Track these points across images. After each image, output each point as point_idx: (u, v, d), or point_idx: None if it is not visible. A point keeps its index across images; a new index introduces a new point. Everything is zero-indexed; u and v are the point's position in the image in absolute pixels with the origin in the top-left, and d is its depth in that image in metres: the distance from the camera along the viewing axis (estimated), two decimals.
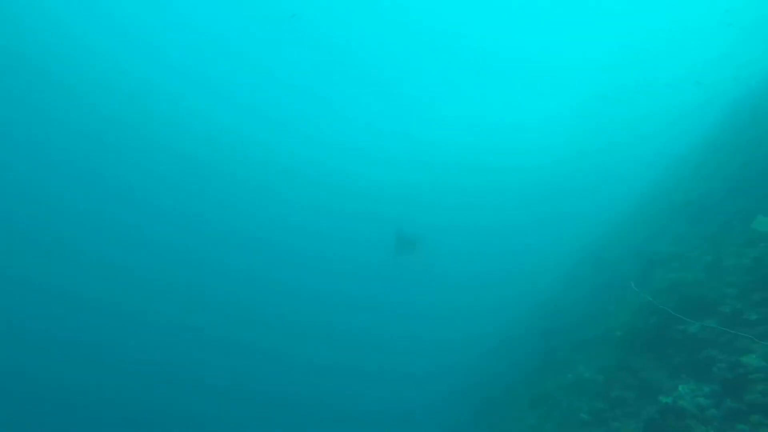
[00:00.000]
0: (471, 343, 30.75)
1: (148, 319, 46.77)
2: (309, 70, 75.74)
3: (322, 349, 42.66)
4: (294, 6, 62.96)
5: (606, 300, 16.30)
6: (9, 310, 43.89)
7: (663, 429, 8.33)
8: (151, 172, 63.69)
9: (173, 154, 66.29)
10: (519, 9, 69.28)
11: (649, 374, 10.67)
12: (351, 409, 32.71)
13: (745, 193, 12.47)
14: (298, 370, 41.07)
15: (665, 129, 33.47)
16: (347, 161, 74.27)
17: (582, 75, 67.27)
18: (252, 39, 69.10)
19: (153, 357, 41.26)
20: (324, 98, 77.41)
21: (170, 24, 64.52)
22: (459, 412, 21.62)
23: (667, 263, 13.30)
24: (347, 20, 71.59)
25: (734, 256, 10.50)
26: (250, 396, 36.97)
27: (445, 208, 60.15)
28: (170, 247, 57.12)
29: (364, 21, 72.61)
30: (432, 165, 68.77)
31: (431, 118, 77.59)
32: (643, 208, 20.93)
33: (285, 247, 61.54)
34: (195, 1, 63.46)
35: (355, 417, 31.78)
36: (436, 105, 79.15)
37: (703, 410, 8.14)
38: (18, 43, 50.98)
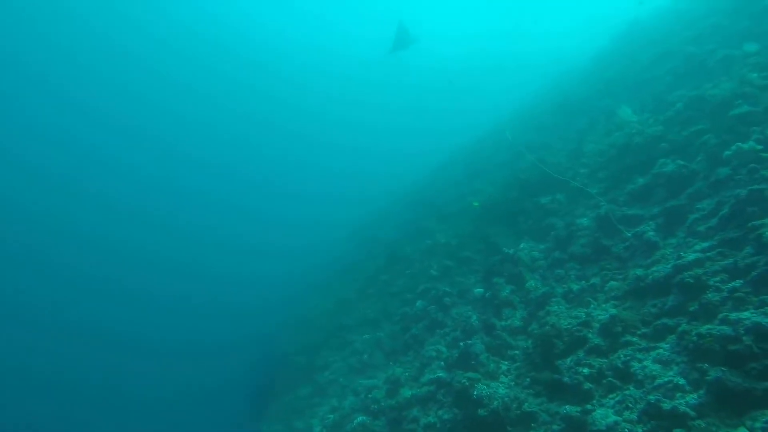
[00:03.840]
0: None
1: None
2: None
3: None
4: None
5: (476, 180, 17.26)
6: None
7: (500, 273, 9.21)
8: None
9: None
10: None
11: (498, 239, 11.62)
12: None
13: (613, 94, 13.44)
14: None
15: (569, 44, 35.15)
16: None
17: None
18: None
19: None
20: None
21: None
22: (327, 271, 22.60)
23: (537, 150, 14.16)
24: None
25: (593, 143, 11.37)
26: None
27: None
28: None
29: None
30: None
31: None
32: (531, 108, 22.11)
33: None
34: None
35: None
36: None
37: (535, 261, 9.08)
38: None
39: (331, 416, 10.28)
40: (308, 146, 75.00)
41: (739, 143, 6.21)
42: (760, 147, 6.10)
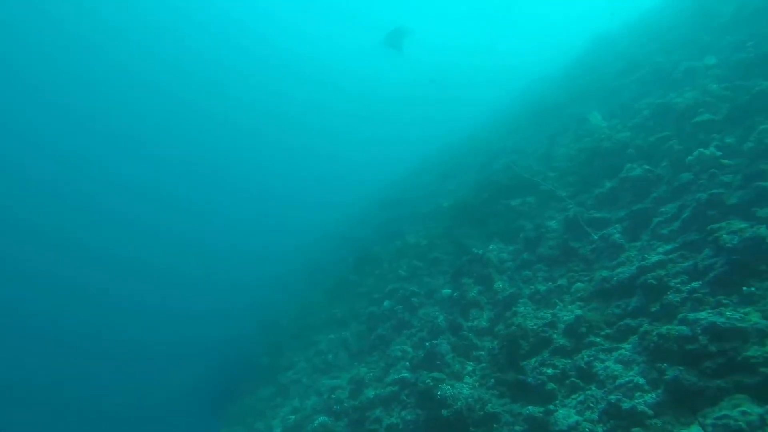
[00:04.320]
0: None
1: None
2: None
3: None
4: None
5: (449, 182, 17.31)
6: None
7: (468, 273, 9.17)
8: None
9: None
10: None
11: (468, 240, 11.61)
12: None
13: (584, 101, 13.69)
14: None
15: (546, 53, 35.91)
16: None
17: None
18: None
19: None
20: None
21: None
22: (298, 274, 22.26)
23: (509, 153, 14.29)
24: None
25: (564, 147, 11.52)
26: None
27: None
28: None
29: None
30: None
31: None
32: (506, 113, 22.40)
33: None
34: None
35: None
36: None
37: (503, 262, 9.09)
38: None
39: (293, 417, 10.03)
40: (286, 153, 74.99)
41: (701, 149, 6.34)
42: (719, 153, 6.24)
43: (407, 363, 8.31)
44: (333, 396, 9.05)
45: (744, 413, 3.47)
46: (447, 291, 9.73)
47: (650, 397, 4.30)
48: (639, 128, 8.86)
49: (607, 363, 5.05)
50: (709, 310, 4.51)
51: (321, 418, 8.33)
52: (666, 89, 9.80)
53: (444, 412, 5.95)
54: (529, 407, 5.29)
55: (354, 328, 11.80)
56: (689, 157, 6.48)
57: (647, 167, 7.46)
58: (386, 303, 11.14)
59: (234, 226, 59.38)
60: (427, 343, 7.85)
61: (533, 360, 5.92)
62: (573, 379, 5.21)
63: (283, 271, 25.54)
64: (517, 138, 15.76)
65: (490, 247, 9.80)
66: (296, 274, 22.38)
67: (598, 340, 5.52)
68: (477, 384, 6.47)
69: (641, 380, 4.53)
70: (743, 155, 5.99)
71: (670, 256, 5.67)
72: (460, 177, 17.19)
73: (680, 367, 4.18)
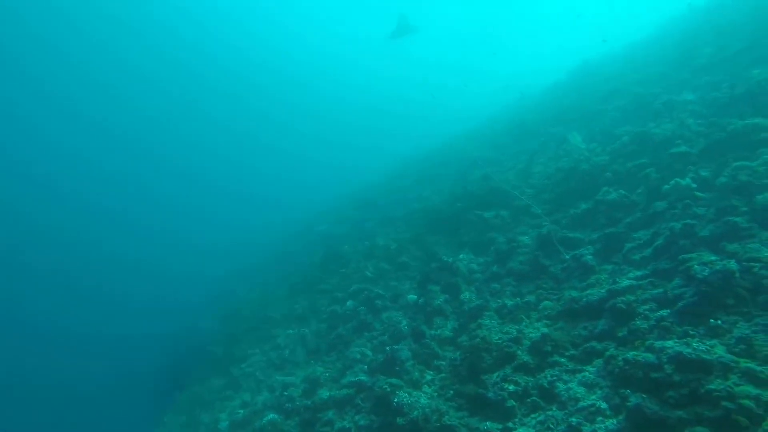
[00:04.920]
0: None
1: None
2: None
3: None
4: None
5: (425, 188, 17.23)
6: None
7: (436, 281, 9.04)
8: None
9: None
10: None
11: (438, 248, 11.51)
12: None
13: (565, 123, 13.89)
14: None
15: (535, 77, 36.61)
16: None
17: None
18: None
19: None
20: None
21: None
22: (266, 268, 21.76)
23: (488, 165, 14.32)
24: None
25: (542, 165, 11.60)
26: None
27: None
28: None
29: None
30: None
31: None
32: (487, 127, 22.57)
33: None
34: None
35: None
36: None
37: (472, 273, 9.00)
38: None
39: (241, 411, 9.64)
40: (270, 154, 74.25)
41: (678, 179, 6.42)
42: (694, 185, 6.32)
43: (365, 366, 8.09)
44: (285, 393, 8.72)
45: None
46: (412, 297, 9.58)
47: (611, 423, 4.24)
48: (617, 153, 8.96)
49: (571, 384, 4.98)
50: (676, 339, 4.50)
51: (270, 415, 8.00)
52: (645, 119, 9.98)
53: (399, 420, 5.76)
54: (488, 423, 5.17)
55: (314, 326, 11.48)
56: (666, 186, 6.54)
57: (623, 192, 7.52)
58: (349, 303, 10.90)
59: (207, 222, 58.27)
60: (387, 348, 7.65)
61: (495, 375, 5.81)
62: (534, 398, 5.11)
63: (250, 265, 24.93)
64: (496, 152, 15.84)
65: (461, 256, 9.72)
66: (263, 269, 21.84)
67: (562, 360, 5.46)
68: (435, 394, 6.32)
69: (603, 405, 4.46)
70: (716, 189, 6.08)
71: (641, 282, 5.67)
72: (436, 184, 17.16)
73: (643, 395, 4.13)
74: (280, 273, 18.37)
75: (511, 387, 5.42)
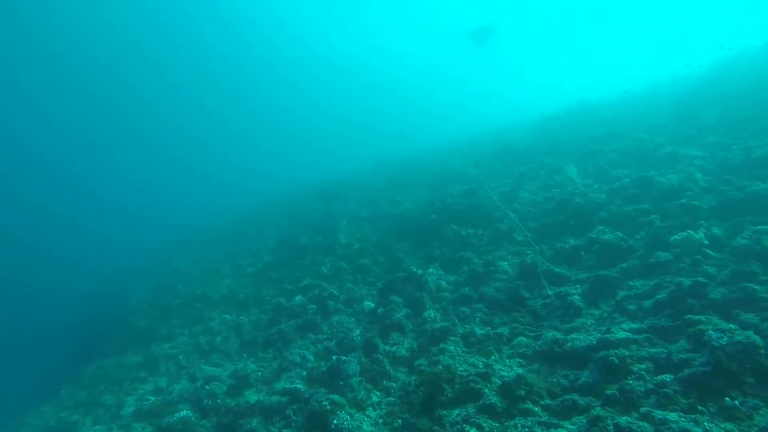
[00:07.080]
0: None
1: None
2: None
3: None
4: None
5: (398, 193, 16.41)
6: None
7: (399, 292, 8.16)
8: None
9: None
10: None
11: (404, 256, 10.69)
12: None
13: (557, 154, 13.44)
14: None
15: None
16: None
17: None
18: None
19: None
20: None
21: None
22: (217, 242, 20.24)
23: (469, 182, 13.65)
24: None
25: (529, 192, 11.00)
26: None
27: None
28: None
29: None
30: None
31: None
32: (473, 146, 22.06)
33: None
34: None
35: None
36: None
37: (440, 290, 8.18)
38: None
39: (152, 398, 8.36)
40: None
41: (691, 231, 5.82)
42: (707, 242, 5.75)
43: (304, 372, 7.09)
44: (207, 387, 7.57)
45: None
46: (370, 304, 8.67)
47: None
48: (616, 194, 8.42)
49: None
50: (680, 413, 3.79)
51: (184, 412, 6.83)
52: (646, 165, 9.54)
53: None
54: None
55: (254, 315, 10.36)
56: (675, 237, 5.94)
57: (620, 235, 6.91)
58: (298, 298, 9.87)
59: (163, 196, 55.68)
60: (333, 357, 6.69)
61: (455, 412, 4.95)
62: None
63: (196, 241, 23.17)
64: (480, 170, 15.20)
65: (430, 270, 8.91)
66: (210, 245, 20.27)
67: (536, 409, 4.66)
68: (380, 421, 5.41)
69: None
70: (732, 251, 5.51)
71: (636, 336, 4.99)
72: (411, 190, 16.37)
73: None
74: (228, 251, 17.03)
75: (473, 430, 4.58)
